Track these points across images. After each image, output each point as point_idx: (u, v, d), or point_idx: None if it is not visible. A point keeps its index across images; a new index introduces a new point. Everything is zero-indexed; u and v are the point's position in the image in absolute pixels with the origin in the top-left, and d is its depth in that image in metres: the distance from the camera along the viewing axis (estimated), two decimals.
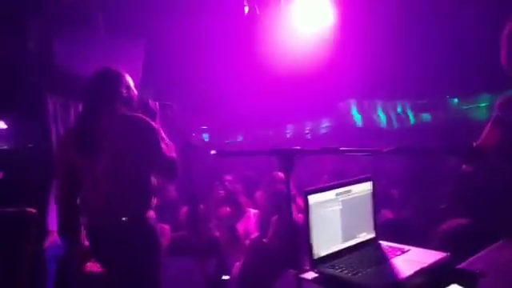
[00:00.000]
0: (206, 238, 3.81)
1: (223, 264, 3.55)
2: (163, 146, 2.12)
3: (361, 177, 1.75)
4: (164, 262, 3.53)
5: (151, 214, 2.15)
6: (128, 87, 2.24)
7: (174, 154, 2.17)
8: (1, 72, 4.07)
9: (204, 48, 5.01)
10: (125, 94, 2.21)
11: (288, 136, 10.77)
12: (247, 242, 3.78)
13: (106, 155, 2.06)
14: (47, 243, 3.86)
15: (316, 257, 1.54)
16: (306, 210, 1.52)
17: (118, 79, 2.20)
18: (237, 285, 3.24)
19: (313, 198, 1.55)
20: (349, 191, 1.69)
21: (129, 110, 2.18)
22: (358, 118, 11.46)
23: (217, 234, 4.03)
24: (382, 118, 11.70)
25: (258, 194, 3.96)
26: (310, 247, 1.52)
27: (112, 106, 2.13)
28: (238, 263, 3.49)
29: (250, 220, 3.99)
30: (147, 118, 2.13)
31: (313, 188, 1.57)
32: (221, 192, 4.67)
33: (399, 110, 11.21)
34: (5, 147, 6.25)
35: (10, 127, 6.24)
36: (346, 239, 1.67)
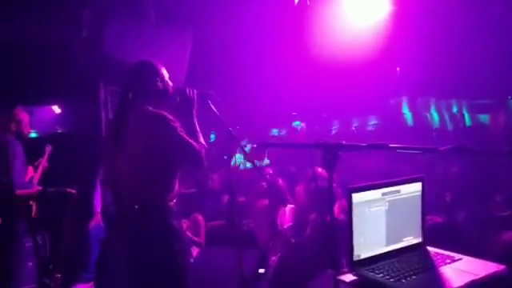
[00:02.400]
0: (243, 230, 3.79)
1: (261, 257, 3.51)
2: (185, 137, 2.12)
3: (410, 177, 1.62)
4: (202, 251, 3.57)
5: (169, 205, 2.15)
6: (162, 79, 2.25)
7: (199, 145, 2.17)
8: (56, 59, 4.27)
9: (251, 39, 4.96)
10: (159, 87, 2.23)
11: (333, 132, 10.51)
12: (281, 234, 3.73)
13: (127, 149, 2.11)
14: (92, 224, 4.03)
15: (356, 258, 1.45)
16: (349, 208, 1.43)
17: (153, 73, 2.23)
18: (271, 279, 3.19)
19: (357, 197, 1.45)
20: (396, 191, 1.57)
21: (161, 104, 2.21)
22: (408, 116, 10.96)
23: (252, 225, 4.01)
24: (434, 117, 11.12)
25: (298, 189, 3.87)
26: (350, 248, 1.43)
27: (143, 101, 2.17)
28: (274, 257, 3.45)
29: (285, 214, 3.92)
30: (167, 116, 2.12)
31: (357, 186, 1.47)
32: (263, 184, 4.63)
33: (454, 109, 10.58)
34: (59, 130, 6.62)
35: (63, 112, 6.59)
36: (389, 242, 1.56)
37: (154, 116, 2.12)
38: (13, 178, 2.84)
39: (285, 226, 3.76)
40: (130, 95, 2.19)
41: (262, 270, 3.29)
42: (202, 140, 2.23)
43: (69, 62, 4.36)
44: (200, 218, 3.90)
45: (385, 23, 4.59)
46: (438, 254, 1.58)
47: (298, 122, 10.00)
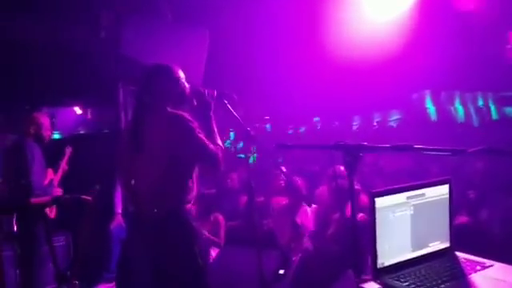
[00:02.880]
0: (263, 230, 3.75)
1: (281, 258, 3.45)
2: (202, 139, 2.08)
3: (436, 179, 1.54)
4: (221, 252, 3.54)
5: (187, 207, 2.13)
6: (179, 82, 2.21)
7: (215, 147, 2.12)
8: (77, 60, 4.31)
9: (268, 36, 4.90)
10: (176, 90, 2.19)
11: (354, 128, 10.32)
12: (305, 237, 3.67)
13: (144, 151, 2.10)
14: (113, 224, 4.06)
15: (380, 266, 1.38)
16: (371, 213, 1.36)
17: (169, 75, 2.19)
18: (292, 281, 3.13)
19: (380, 201, 1.38)
20: (422, 195, 1.49)
21: (178, 106, 2.18)
22: (432, 110, 10.66)
23: (272, 225, 3.95)
24: (459, 111, 10.79)
25: (321, 189, 3.79)
26: (373, 255, 1.36)
27: (158, 104, 2.14)
28: (295, 258, 3.39)
29: (307, 214, 3.85)
30: (185, 116, 2.08)
31: (380, 190, 1.40)
32: (281, 182, 4.57)
33: (480, 102, 10.22)
34: (81, 132, 6.74)
35: (85, 113, 6.71)
36: (415, 248, 1.48)
37: (172, 116, 2.09)
38: (31, 180, 2.87)
39: (306, 228, 3.69)
40: (147, 97, 2.16)
41: (282, 271, 3.24)
42: (219, 142, 2.20)
43: (87, 63, 4.41)
44: (220, 217, 3.87)
45: (407, 15, 4.46)
46: (467, 260, 1.50)
47: (317, 118, 9.86)
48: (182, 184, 2.13)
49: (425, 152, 1.43)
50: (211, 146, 2.10)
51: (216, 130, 2.24)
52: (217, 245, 3.74)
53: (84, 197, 2.07)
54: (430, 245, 1.52)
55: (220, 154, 2.12)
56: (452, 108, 10.79)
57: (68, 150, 3.77)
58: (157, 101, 2.14)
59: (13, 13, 4.00)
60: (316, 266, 3.17)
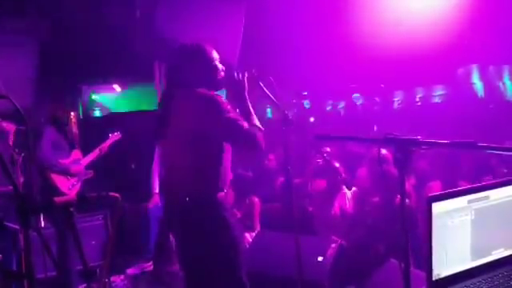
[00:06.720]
0: (301, 213, 3.66)
1: (319, 243, 3.36)
2: (235, 118, 1.97)
3: (503, 179, 1.37)
4: (257, 236, 3.50)
5: (219, 196, 2.02)
6: (210, 63, 2.11)
7: (252, 127, 2.00)
8: (113, 40, 4.30)
9: (305, 7, 4.67)
10: (207, 71, 2.10)
11: (396, 106, 9.87)
12: (344, 221, 3.56)
13: (172, 138, 2.03)
14: (151, 204, 4.10)
15: (436, 278, 1.26)
16: (428, 220, 1.23)
17: (201, 56, 2.10)
18: (331, 269, 3.04)
19: (438, 207, 1.24)
20: (485, 197, 1.33)
21: (210, 87, 2.08)
22: (479, 86, 10.05)
23: (310, 209, 3.87)
24: (508, 87, 10.14)
25: (360, 172, 3.64)
26: (429, 266, 1.24)
27: (189, 85, 2.04)
28: (334, 245, 3.29)
29: (346, 198, 3.72)
30: (215, 96, 1.98)
31: (438, 194, 1.26)
32: (319, 161, 4.42)
33: None
34: (122, 110, 6.83)
35: (123, 91, 6.79)
36: (475, 257, 1.34)
37: (200, 94, 1.99)
38: (38, 155, 3.05)
39: (345, 212, 3.58)
40: (178, 78, 2.09)
41: (320, 258, 3.15)
42: (256, 122, 2.07)
43: (125, 42, 4.39)
44: (256, 200, 3.82)
45: None
46: None
47: (357, 94, 9.51)
48: (214, 171, 2.03)
49: (489, 151, 1.26)
50: (246, 125, 1.97)
51: (253, 111, 2.11)
52: (251, 229, 3.70)
53: (112, 194, 2.04)
54: (493, 252, 1.37)
55: (258, 135, 1.98)
56: (500, 83, 10.16)
57: (114, 136, 3.77)
58: (187, 82, 2.05)
59: None
60: (355, 255, 3.07)
